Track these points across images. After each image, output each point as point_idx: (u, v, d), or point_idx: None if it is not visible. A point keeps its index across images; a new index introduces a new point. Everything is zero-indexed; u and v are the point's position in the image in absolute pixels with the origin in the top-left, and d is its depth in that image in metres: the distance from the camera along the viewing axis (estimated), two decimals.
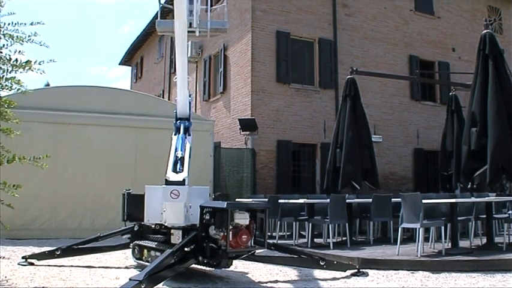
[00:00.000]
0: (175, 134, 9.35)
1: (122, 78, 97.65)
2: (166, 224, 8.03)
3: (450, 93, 18.03)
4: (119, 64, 43.43)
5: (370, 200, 13.77)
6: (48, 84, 34.29)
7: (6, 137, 7.13)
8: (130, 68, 42.68)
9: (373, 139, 17.30)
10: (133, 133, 15.30)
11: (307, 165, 21.86)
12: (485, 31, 12.32)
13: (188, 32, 10.48)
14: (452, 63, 25.28)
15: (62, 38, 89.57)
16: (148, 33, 34.89)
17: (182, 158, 8.49)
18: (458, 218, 11.42)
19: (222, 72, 23.19)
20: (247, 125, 19.95)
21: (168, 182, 7.77)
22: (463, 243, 11.61)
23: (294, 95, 21.47)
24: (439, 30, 25.71)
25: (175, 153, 8.57)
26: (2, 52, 6.82)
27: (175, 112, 9.63)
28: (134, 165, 15.09)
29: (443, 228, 10.97)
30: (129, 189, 9.79)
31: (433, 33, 25.45)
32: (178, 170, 8.17)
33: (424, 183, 22.96)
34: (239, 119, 20.26)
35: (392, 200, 13.62)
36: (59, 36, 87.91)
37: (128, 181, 13.25)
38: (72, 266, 9.37)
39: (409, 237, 13.26)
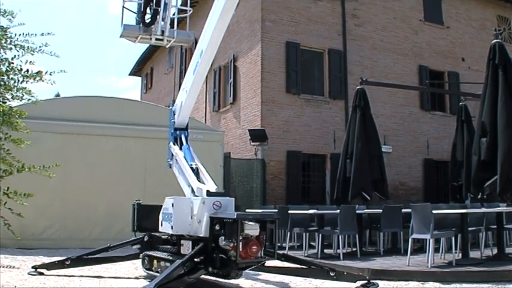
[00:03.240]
0: (174, 144, 9.34)
1: (131, 88, 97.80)
2: (201, 236, 7.86)
3: (460, 103, 17.98)
4: (129, 75, 43.57)
5: (380, 210, 13.74)
6: (58, 95, 34.34)
7: (17, 147, 7.16)
8: (140, 78, 42.80)
9: (383, 149, 17.26)
10: (143, 143, 15.32)
11: (317, 175, 21.85)
12: (495, 40, 12.29)
13: (157, 39, 10.47)
14: (462, 73, 25.22)
15: (72, 48, 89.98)
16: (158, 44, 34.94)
17: (197, 169, 8.50)
18: (469, 229, 11.38)
19: (232, 83, 23.23)
20: (257, 136, 19.96)
21: (209, 193, 7.75)
22: (474, 254, 11.57)
23: (303, 105, 21.49)
24: (449, 40, 25.69)
25: (189, 164, 8.57)
26: (13, 63, 6.86)
27: (173, 121, 9.58)
28: (144, 176, 15.11)
29: (453, 238, 10.94)
30: (139, 200, 9.81)
31: (442, 43, 25.43)
32: (202, 181, 8.18)
33: (434, 193, 22.86)
34: (249, 130, 20.28)
35: (403, 210, 13.58)
36: (69, 46, 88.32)
37: (138, 191, 13.28)
38: (82, 276, 9.38)
39: (420, 247, 13.21)
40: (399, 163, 22.72)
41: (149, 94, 38.01)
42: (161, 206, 8.54)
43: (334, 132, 21.54)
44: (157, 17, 10.16)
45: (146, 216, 9.21)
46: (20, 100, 7.05)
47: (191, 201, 7.85)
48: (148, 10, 10.55)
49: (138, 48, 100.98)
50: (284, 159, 20.70)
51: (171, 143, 9.37)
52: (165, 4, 10.16)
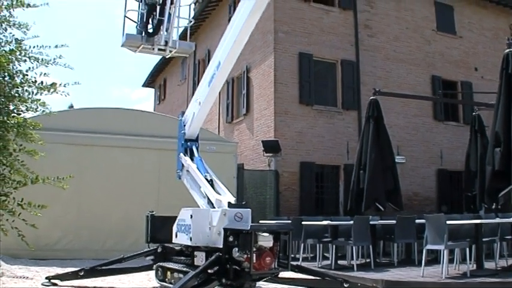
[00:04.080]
0: (185, 155, 9.33)
1: (145, 100, 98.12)
2: (221, 247, 7.82)
3: (473, 113, 17.94)
4: (142, 86, 43.70)
5: (394, 221, 13.70)
6: (71, 106, 34.55)
7: (31, 158, 7.21)
8: (153, 89, 42.93)
9: (396, 160, 17.22)
10: (157, 155, 15.34)
11: (330, 186, 21.81)
12: (508, 50, 12.23)
13: (159, 50, 10.46)
14: (475, 82, 25.13)
15: (85, 59, 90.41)
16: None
17: (211, 180, 8.50)
18: (483, 239, 11.33)
19: (245, 94, 23.27)
20: (271, 147, 19.97)
21: (231, 205, 7.75)
22: (488, 265, 11.51)
23: (316, 116, 21.49)
24: (461, 49, 25.64)
25: (204, 176, 8.57)
26: (27, 75, 6.91)
27: (183, 132, 9.53)
28: (157, 187, 15.13)
29: (468, 249, 10.88)
30: (153, 211, 9.83)
31: (455, 52, 25.38)
32: (218, 192, 8.18)
33: (448, 204, 22.77)
34: (262, 141, 20.29)
35: (417, 221, 13.53)
36: (83, 57, 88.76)
37: (152, 203, 13.29)
38: (95, 287, 9.40)
39: (434, 258, 13.15)
40: (413, 173, 22.64)
41: (162, 105, 38.11)
42: (175, 217, 8.53)
43: (348, 143, 21.51)
44: (161, 27, 10.17)
45: (160, 227, 9.21)
46: (34, 112, 7.10)
47: (210, 213, 7.85)
48: (149, 20, 10.60)
49: (151, 60, 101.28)
50: (297, 170, 20.70)
51: (181, 154, 9.36)
52: (169, 14, 10.16)
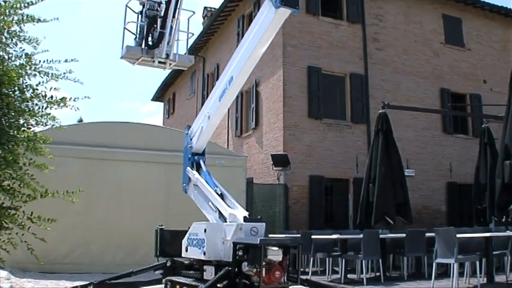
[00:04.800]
0: (191, 168, 9.29)
1: (154, 114, 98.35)
2: (227, 261, 7.82)
3: (482, 126, 17.89)
4: (152, 100, 43.87)
5: (404, 234, 13.67)
6: (81, 120, 34.66)
7: (41, 172, 7.23)
8: (162, 104, 43.06)
9: (405, 173, 17.18)
10: (166, 169, 15.34)
11: (339, 200, 21.79)
12: None
13: (160, 62, 10.45)
14: (484, 95, 25.11)
15: (95, 73, 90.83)
16: (180, 70, 35.22)
17: (222, 194, 8.49)
18: (494, 253, 11.30)
19: (254, 108, 23.31)
20: (280, 161, 19.98)
21: (246, 219, 7.74)
22: (499, 278, 11.47)
23: (326, 130, 21.50)
24: (470, 62, 25.64)
25: (214, 190, 8.56)
26: (37, 89, 6.94)
27: (190, 146, 9.48)
28: (167, 201, 15.12)
29: (478, 263, 10.85)
30: (162, 225, 9.82)
31: (464, 65, 25.38)
32: (229, 206, 8.17)
33: (457, 217, 22.68)
34: (271, 155, 20.31)
35: (426, 234, 13.50)
36: (93, 71, 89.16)
37: (161, 216, 13.29)
38: None
39: (444, 272, 13.09)
40: (422, 187, 22.60)
41: (171, 119, 38.21)
42: (184, 231, 8.52)
43: (357, 156, 21.50)
44: (162, 39, 10.17)
45: (169, 241, 9.19)
46: (44, 126, 7.13)
47: (223, 227, 7.84)
48: (150, 32, 10.61)
49: (161, 74, 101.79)
50: (307, 184, 20.70)
51: (188, 168, 9.34)
52: (171, 27, 10.16)
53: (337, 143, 21.58)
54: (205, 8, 36.50)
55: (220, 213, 8.07)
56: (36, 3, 6.67)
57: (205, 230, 7.89)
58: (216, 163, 13.67)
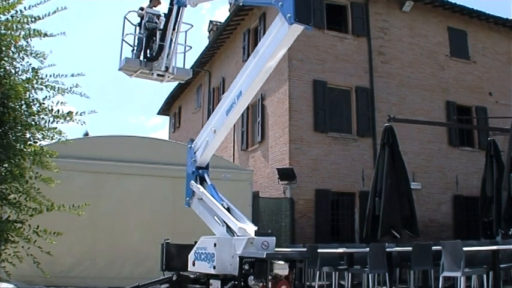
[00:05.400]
0: (195, 182, 9.25)
1: (160, 127, 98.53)
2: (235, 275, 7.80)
3: (488, 138, 17.86)
4: (157, 114, 43.96)
5: (410, 248, 13.62)
6: (87, 134, 34.66)
7: (47, 185, 7.25)
8: (168, 117, 43.13)
9: (412, 186, 17.15)
10: (172, 183, 15.33)
11: (345, 214, 21.75)
12: None
13: (158, 75, 10.44)
14: (490, 107, 25.08)
15: (101, 87, 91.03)
16: (186, 84, 35.32)
17: (228, 208, 8.47)
18: (501, 266, 11.25)
19: (260, 122, 23.34)
20: (286, 174, 19.97)
21: (257, 233, 7.73)
22: None
23: (331, 143, 21.50)
24: (475, 74, 25.64)
25: (221, 204, 8.53)
26: (44, 103, 6.97)
27: (194, 160, 9.42)
28: (172, 215, 15.11)
29: (485, 276, 10.82)
30: (168, 239, 9.82)
31: (469, 78, 25.38)
32: (239, 220, 8.15)
33: (464, 230, 22.61)
34: (277, 169, 20.30)
35: (433, 248, 13.45)
36: (99, 85, 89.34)
37: (167, 230, 13.27)
38: None
39: (451, 285, 13.05)
40: (428, 200, 22.55)
41: (177, 133, 38.26)
42: (190, 245, 8.52)
43: (363, 170, 21.48)
44: (162, 52, 10.16)
45: (175, 255, 9.20)
46: (51, 140, 7.15)
47: (232, 241, 7.82)
48: (149, 45, 10.63)
49: (166, 88, 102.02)
50: (313, 197, 20.67)
51: (192, 182, 9.32)
52: (170, 40, 10.16)
53: (343, 156, 21.57)
54: (210, 22, 36.61)
55: (228, 227, 8.04)
56: (43, 18, 6.70)
57: (215, 244, 7.87)
58: (222, 177, 13.68)
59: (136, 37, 11.28)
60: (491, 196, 16.27)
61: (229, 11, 29.43)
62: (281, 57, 7.29)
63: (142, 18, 11.43)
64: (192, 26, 10.84)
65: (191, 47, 11.46)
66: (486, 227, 17.10)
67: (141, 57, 10.79)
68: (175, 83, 11.28)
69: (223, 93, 27.67)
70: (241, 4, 8.02)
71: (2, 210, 6.96)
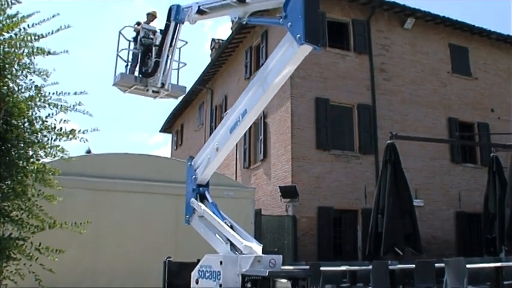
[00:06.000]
0: (196, 199, 9.21)
1: (162, 145, 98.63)
2: None
3: (491, 155, 17.82)
4: (160, 131, 44.03)
5: (413, 265, 13.58)
6: (89, 151, 34.65)
7: (49, 203, 7.25)
8: (170, 135, 43.19)
9: (414, 203, 17.10)
10: (174, 200, 15.29)
11: (348, 231, 21.71)
12: None
13: (153, 91, 10.37)
14: (492, 123, 25.13)
15: (104, 104, 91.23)
16: (188, 101, 35.43)
17: (232, 226, 8.44)
18: (504, 282, 11.21)
19: (262, 140, 23.35)
20: (288, 192, 19.96)
21: (264, 251, 7.71)
22: None
23: (334, 161, 21.50)
24: (477, 91, 25.70)
25: (224, 222, 8.51)
26: (47, 121, 6.98)
27: (194, 177, 9.36)
28: (175, 233, 15.09)
29: None
30: (170, 257, 9.80)
31: (471, 94, 25.43)
32: (246, 238, 8.13)
33: (467, 247, 22.53)
34: (280, 186, 20.29)
35: (436, 265, 13.41)
36: (101, 102, 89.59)
37: (169, 248, 13.26)
38: None
39: None
40: (431, 217, 22.51)
41: (179, 151, 38.31)
42: (193, 263, 8.50)
43: (365, 187, 21.46)
44: (158, 68, 10.09)
45: (177, 273, 9.19)
46: (53, 157, 7.16)
47: (238, 259, 7.80)
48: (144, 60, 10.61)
49: (168, 105, 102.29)
50: (315, 215, 20.64)
51: (193, 199, 9.28)
52: (167, 56, 10.09)
53: (345, 174, 21.56)
54: (213, 39, 36.73)
55: (232, 245, 8.02)
56: (46, 36, 6.73)
57: (221, 262, 7.85)
58: (225, 195, 13.67)
59: (131, 52, 11.28)
60: (494, 213, 16.23)
61: (232, 28, 29.53)
62: (288, 76, 7.24)
63: (138, 33, 11.43)
64: (187, 42, 10.78)
65: (185, 64, 11.41)
66: (489, 244, 17.06)
67: (136, 73, 10.77)
68: (170, 100, 11.22)
69: (225, 111, 27.75)
70: (244, 23, 7.84)
71: (4, 228, 6.95)
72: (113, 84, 10.43)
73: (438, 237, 22.64)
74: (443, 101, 24.51)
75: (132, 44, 11.45)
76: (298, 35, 6.62)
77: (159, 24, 11.41)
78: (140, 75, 10.43)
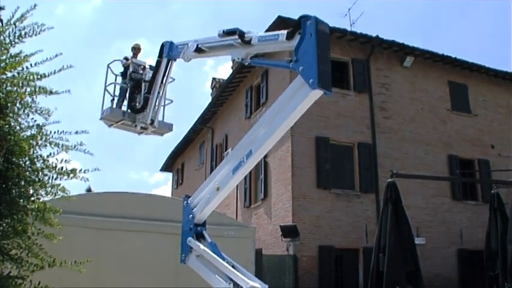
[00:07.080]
0: (194, 239, 9.14)
1: (163, 183, 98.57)
2: None
3: (492, 191, 17.80)
4: (160, 170, 44.04)
5: None
6: (89, 189, 34.68)
7: (49, 241, 7.24)
8: (171, 174, 43.20)
9: (416, 242, 17.02)
10: (174, 239, 15.26)
11: (349, 270, 21.57)
12: None
13: (142, 128, 10.29)
14: (492, 160, 25.16)
15: (103, 142, 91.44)
16: (189, 140, 35.53)
17: (233, 266, 8.40)
18: None
19: (263, 179, 23.36)
20: (289, 231, 19.90)
21: None
22: None
23: (334, 200, 21.48)
24: (477, 128, 25.79)
25: (225, 261, 8.46)
26: (48, 160, 7.00)
27: (192, 216, 9.25)
28: (176, 272, 15.01)
29: None
30: None
31: (471, 131, 25.51)
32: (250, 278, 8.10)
33: (470, 284, 22.40)
34: (280, 226, 20.24)
35: None
36: (101, 140, 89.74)
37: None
38: None
39: None
40: (433, 254, 22.39)
41: (180, 190, 38.27)
42: None
43: (366, 225, 21.40)
44: (148, 104, 9.98)
45: None
46: (54, 196, 7.16)
47: None
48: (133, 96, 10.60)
49: (170, 144, 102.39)
50: (316, 254, 20.56)
51: (191, 239, 9.20)
52: (158, 93, 9.97)
53: (346, 212, 21.52)
54: (213, 78, 36.94)
55: (236, 284, 7.96)
56: (48, 75, 6.78)
57: None
58: (225, 234, 13.63)
59: (118, 87, 11.27)
60: (496, 249, 16.17)
61: (232, 67, 29.75)
62: (296, 119, 7.19)
63: (126, 68, 11.41)
64: (174, 79, 10.60)
65: (172, 101, 11.30)
66: (492, 281, 16.94)
67: (124, 108, 10.75)
68: (156, 136, 11.19)
69: (225, 150, 27.80)
70: (246, 64, 7.76)
71: (3, 266, 6.93)
72: (100, 118, 10.35)
73: (440, 274, 22.49)
74: (443, 138, 24.58)
75: (119, 78, 11.45)
76: (311, 80, 6.60)
77: (148, 59, 11.40)
78: (129, 111, 10.40)
